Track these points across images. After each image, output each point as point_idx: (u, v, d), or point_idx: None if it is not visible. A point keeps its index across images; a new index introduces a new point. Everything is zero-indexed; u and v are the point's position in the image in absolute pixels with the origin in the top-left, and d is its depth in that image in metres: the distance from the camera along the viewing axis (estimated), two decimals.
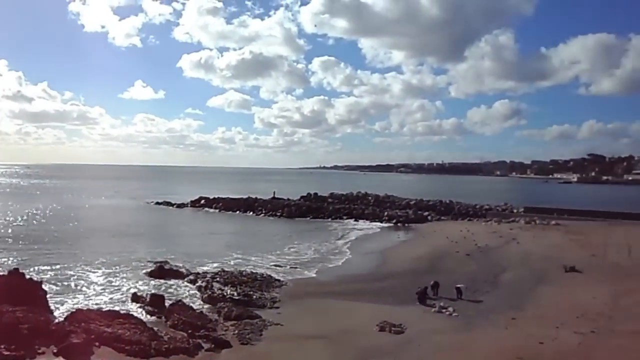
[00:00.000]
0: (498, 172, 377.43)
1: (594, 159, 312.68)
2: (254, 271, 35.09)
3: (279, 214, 76.28)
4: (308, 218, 73.65)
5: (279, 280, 33.03)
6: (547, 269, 35.62)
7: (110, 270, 34.35)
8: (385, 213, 73.12)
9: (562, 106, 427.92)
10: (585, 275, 33.51)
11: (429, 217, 71.21)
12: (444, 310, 25.92)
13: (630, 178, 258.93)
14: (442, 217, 72.27)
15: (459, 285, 29.13)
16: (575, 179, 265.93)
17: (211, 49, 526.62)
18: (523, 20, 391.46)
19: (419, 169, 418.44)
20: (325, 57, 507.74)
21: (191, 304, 26.12)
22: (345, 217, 73.21)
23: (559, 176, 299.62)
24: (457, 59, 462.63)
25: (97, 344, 19.13)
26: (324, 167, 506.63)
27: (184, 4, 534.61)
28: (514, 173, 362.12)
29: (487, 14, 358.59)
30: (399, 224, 66.78)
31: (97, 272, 33.84)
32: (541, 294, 29.17)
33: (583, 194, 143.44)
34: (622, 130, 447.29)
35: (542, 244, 46.64)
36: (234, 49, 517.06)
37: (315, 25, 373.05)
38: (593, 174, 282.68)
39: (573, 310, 25.04)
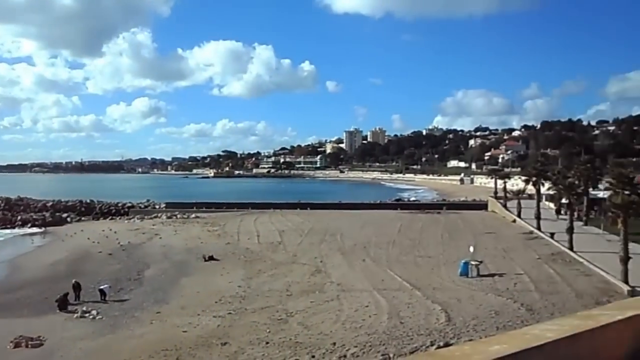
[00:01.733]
0: (140, 170, 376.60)
1: (228, 155, 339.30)
2: None
3: None
4: None
5: None
6: (189, 261, 37.62)
7: None
8: (19, 217, 66.49)
9: (199, 105, 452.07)
10: (223, 262, 36.53)
11: (69, 219, 67.12)
12: (87, 315, 24.92)
13: (258, 171, 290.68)
14: (83, 218, 68.84)
15: (102, 287, 28.36)
16: (212, 174, 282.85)
17: None
18: (160, 21, 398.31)
19: (56, 168, 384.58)
20: None
21: None
22: None
23: (197, 172, 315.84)
24: (95, 54, 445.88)
25: None
26: None
27: None
28: (155, 170, 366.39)
29: (125, 11, 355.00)
30: (34, 229, 61.26)
31: None
32: (184, 285, 30.69)
33: (219, 188, 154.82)
34: (251, 129, 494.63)
35: (183, 237, 48.79)
36: None
37: None
38: (227, 168, 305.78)
39: (212, 296, 27.14)
